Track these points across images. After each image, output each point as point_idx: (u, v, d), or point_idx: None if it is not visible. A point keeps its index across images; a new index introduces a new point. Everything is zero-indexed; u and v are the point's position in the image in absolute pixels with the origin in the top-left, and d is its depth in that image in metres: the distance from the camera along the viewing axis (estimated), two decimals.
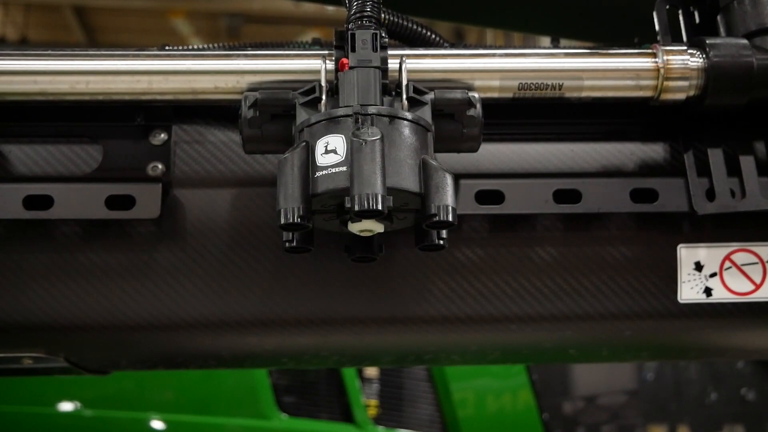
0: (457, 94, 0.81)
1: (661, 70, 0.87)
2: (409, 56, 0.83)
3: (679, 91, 0.87)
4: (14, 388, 2.22)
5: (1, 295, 0.85)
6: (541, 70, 0.86)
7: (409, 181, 0.75)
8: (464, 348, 0.96)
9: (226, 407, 2.41)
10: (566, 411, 3.27)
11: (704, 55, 0.87)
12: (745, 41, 0.88)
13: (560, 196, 0.87)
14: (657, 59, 0.87)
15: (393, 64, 0.81)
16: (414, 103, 0.79)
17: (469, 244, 0.88)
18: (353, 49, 0.81)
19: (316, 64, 0.83)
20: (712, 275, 0.89)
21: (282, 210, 0.76)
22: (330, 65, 0.82)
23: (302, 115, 0.78)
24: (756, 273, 0.90)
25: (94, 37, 7.73)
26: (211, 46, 0.97)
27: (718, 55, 0.86)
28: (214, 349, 0.92)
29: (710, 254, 0.89)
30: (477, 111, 0.81)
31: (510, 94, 0.87)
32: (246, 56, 0.84)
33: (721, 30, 0.95)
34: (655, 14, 0.96)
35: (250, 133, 0.81)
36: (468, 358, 1.02)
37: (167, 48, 0.89)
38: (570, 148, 0.91)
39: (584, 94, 0.87)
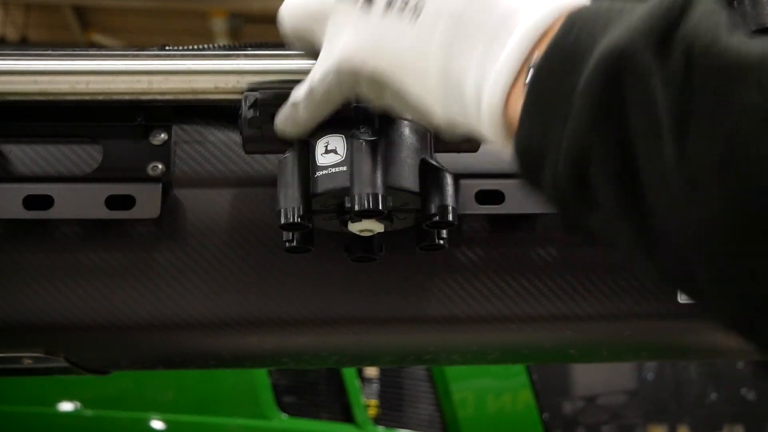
0: None
1: None
2: None
3: None
4: (14, 387, 2.22)
5: (1, 295, 0.85)
6: None
7: (409, 181, 0.75)
8: (464, 348, 0.96)
9: (226, 407, 2.41)
10: (566, 411, 3.27)
11: None
12: None
13: None
14: None
15: None
16: None
17: (469, 244, 0.88)
18: None
19: None
20: None
21: (282, 210, 0.76)
22: None
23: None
24: None
25: (88, 38, 7.73)
26: (211, 46, 0.97)
27: None
28: (214, 349, 0.92)
29: None
30: None
31: None
32: (246, 56, 0.84)
33: None
34: None
35: (250, 133, 0.81)
36: (468, 358, 1.02)
37: (167, 48, 0.89)
38: None
39: None
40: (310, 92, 0.72)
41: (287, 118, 0.75)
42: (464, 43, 0.60)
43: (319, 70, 0.71)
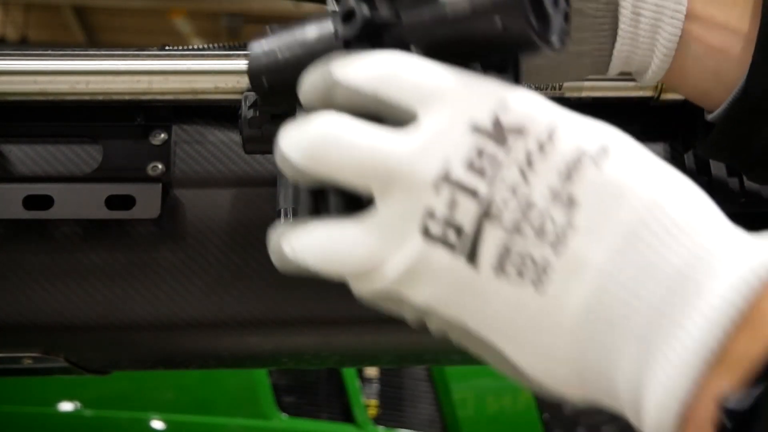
0: None
1: None
2: None
3: None
4: (14, 387, 2.22)
5: (1, 295, 0.85)
6: None
7: None
8: (464, 348, 0.96)
9: (226, 407, 2.41)
10: (566, 411, 3.27)
11: None
12: None
13: None
14: None
15: None
16: None
17: None
18: None
19: None
20: None
21: (282, 210, 0.76)
22: None
23: (303, 116, 0.78)
24: None
25: (94, 37, 7.73)
26: (211, 46, 0.97)
27: None
28: (214, 349, 0.92)
29: None
30: None
31: None
32: (246, 56, 0.84)
33: None
34: None
35: (250, 133, 0.81)
36: (468, 358, 1.02)
37: (167, 48, 0.89)
38: None
39: (584, 93, 0.87)
40: (361, 294, 0.51)
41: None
42: (612, 325, 0.42)
43: (381, 297, 0.50)
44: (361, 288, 0.50)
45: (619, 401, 0.44)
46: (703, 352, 0.39)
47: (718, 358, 0.38)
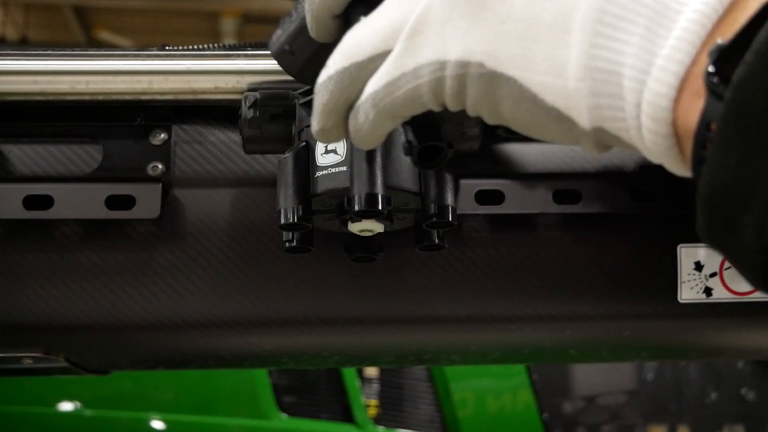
0: None
1: None
2: None
3: None
4: (14, 387, 2.22)
5: (1, 295, 0.85)
6: None
7: (409, 181, 0.75)
8: (464, 348, 0.96)
9: (226, 407, 2.41)
10: (566, 411, 3.27)
11: None
12: None
13: (560, 196, 0.87)
14: None
15: None
16: None
17: (469, 244, 0.88)
18: None
19: None
20: (712, 275, 0.89)
21: (282, 210, 0.76)
22: None
23: (302, 115, 0.78)
24: None
25: (94, 37, 7.73)
26: (211, 46, 0.97)
27: None
28: (214, 349, 0.92)
29: (710, 254, 0.89)
30: None
31: None
32: (246, 56, 0.84)
33: None
34: None
35: (250, 133, 0.81)
36: (468, 358, 1.02)
37: (167, 48, 0.89)
38: (570, 148, 0.91)
39: None
40: (379, 97, 0.54)
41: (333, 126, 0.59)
42: (618, 18, 0.46)
43: (396, 69, 0.53)
44: (376, 85, 0.54)
45: (623, 104, 0.47)
46: (702, 24, 0.44)
47: (713, 30, 0.44)
